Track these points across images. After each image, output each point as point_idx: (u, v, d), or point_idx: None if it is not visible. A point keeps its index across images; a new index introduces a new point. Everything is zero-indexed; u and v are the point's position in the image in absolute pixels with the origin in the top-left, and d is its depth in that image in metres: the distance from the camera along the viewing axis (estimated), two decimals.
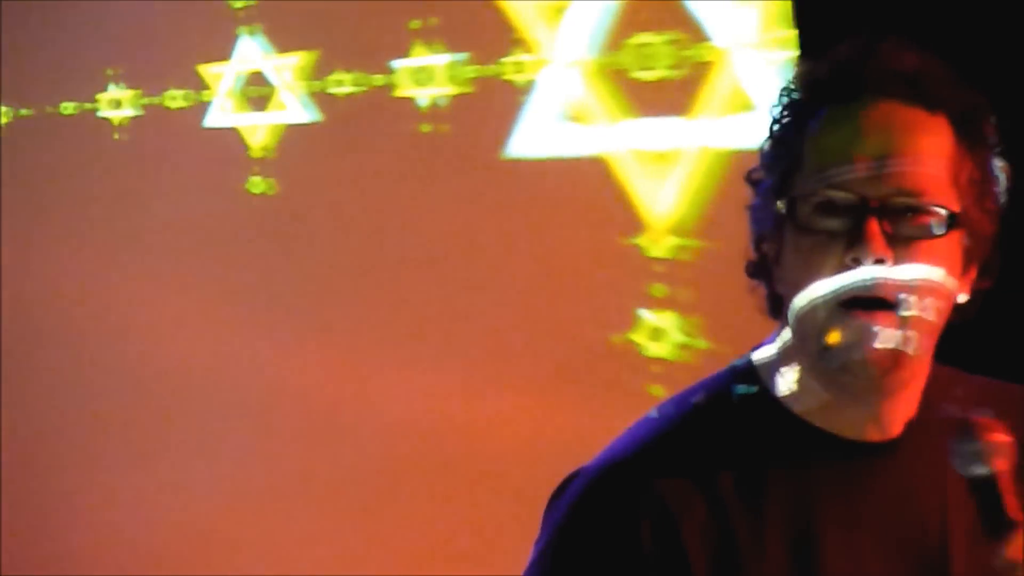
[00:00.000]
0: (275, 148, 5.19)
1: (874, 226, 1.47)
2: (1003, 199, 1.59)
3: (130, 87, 5.63)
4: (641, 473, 1.52)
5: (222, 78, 5.54)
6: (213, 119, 5.45)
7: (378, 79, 4.78)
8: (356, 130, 4.62)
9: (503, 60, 4.27)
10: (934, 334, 1.54)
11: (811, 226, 1.51)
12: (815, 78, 1.57)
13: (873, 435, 1.54)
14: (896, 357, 1.48)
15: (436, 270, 4.21)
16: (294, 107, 5.30)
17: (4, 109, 5.99)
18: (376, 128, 4.64)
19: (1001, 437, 1.40)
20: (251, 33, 5.39)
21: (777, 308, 1.59)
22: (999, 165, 1.58)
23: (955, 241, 1.52)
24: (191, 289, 5.05)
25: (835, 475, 1.53)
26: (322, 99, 5.01)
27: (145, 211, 5.24)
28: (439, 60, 4.57)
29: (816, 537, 1.51)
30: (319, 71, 5.10)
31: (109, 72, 5.62)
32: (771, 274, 1.58)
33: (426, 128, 4.51)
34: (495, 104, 4.22)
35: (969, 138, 1.54)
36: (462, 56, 4.45)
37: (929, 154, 1.50)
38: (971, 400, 1.51)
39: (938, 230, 1.49)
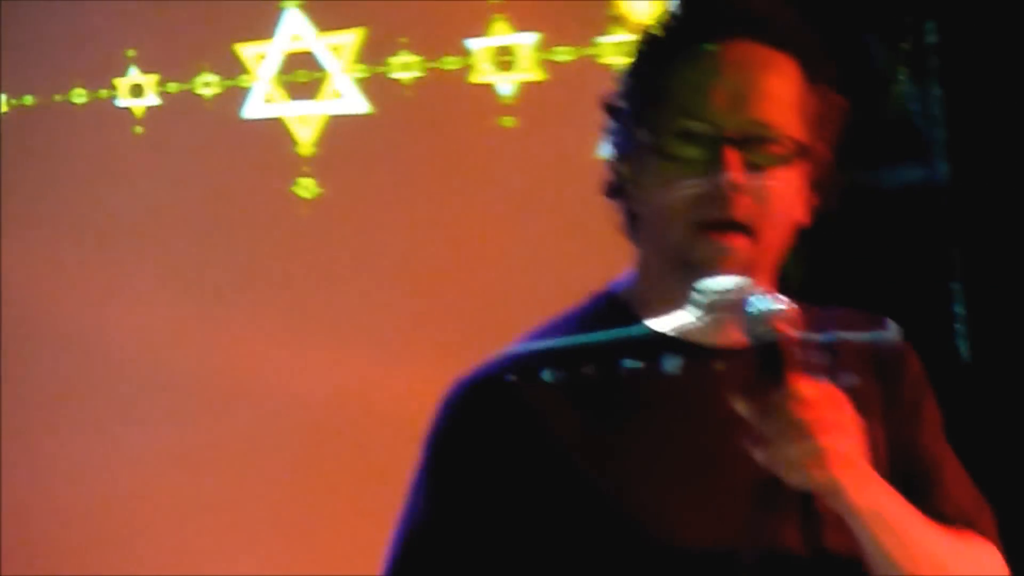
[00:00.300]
0: (325, 144, 4.97)
1: (730, 154, 1.70)
2: (839, 130, 1.85)
3: (153, 71, 5.23)
4: (502, 374, 1.78)
5: (263, 59, 5.18)
6: (253, 109, 5.11)
7: (451, 62, 4.63)
8: (422, 122, 4.58)
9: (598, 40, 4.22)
10: (780, 252, 1.78)
11: (671, 153, 1.73)
12: (676, 20, 1.80)
13: (718, 340, 1.74)
14: (745, 273, 1.69)
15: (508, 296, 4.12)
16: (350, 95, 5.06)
17: (3, 98, 5.53)
18: (448, 120, 4.54)
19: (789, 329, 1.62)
20: (299, 6, 5.11)
21: (634, 226, 1.82)
22: (836, 100, 1.83)
23: (800, 167, 1.78)
24: (228, 310, 4.81)
25: (682, 374, 1.76)
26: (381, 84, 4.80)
27: (171, 219, 4.94)
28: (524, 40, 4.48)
29: (659, 428, 1.76)
30: (377, 52, 4.87)
31: (130, 53, 5.22)
32: (628, 195, 1.81)
33: (508, 122, 4.37)
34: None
35: (813, 76, 1.78)
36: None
37: (779, 90, 1.76)
38: (804, 319, 1.68)
39: (787, 158, 1.74)
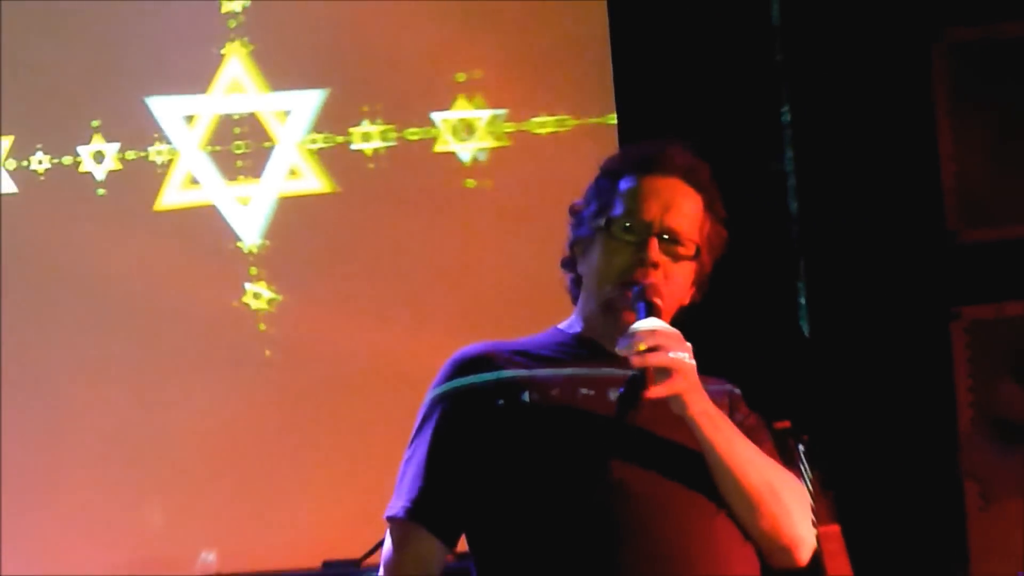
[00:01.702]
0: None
1: (654, 243, 2.60)
2: (722, 250, 2.75)
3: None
4: (484, 349, 2.72)
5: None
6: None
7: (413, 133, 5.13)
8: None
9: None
10: (669, 312, 2.62)
11: (616, 236, 2.63)
12: (631, 157, 2.78)
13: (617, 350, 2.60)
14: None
15: None
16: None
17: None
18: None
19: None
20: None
21: (577, 286, 2.74)
22: (722, 231, 2.74)
23: (693, 265, 2.68)
24: None
25: (587, 351, 2.68)
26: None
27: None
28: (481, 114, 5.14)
29: (569, 375, 2.67)
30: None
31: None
32: (575, 266, 2.76)
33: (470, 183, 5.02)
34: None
35: (711, 209, 2.70)
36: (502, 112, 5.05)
37: (690, 211, 2.68)
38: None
39: (688, 255, 2.64)
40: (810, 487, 2.72)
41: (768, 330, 4.53)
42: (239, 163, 5.45)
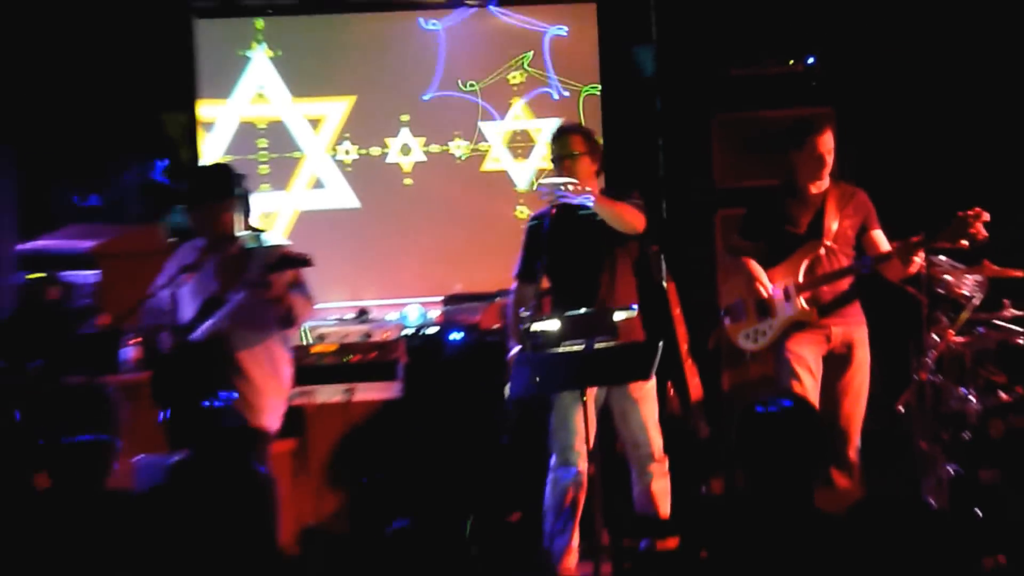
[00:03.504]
0: None
1: (567, 161, 5.98)
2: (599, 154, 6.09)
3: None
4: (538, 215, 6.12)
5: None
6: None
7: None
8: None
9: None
10: (585, 182, 5.84)
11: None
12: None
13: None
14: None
15: None
16: None
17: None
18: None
19: None
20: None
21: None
22: (598, 146, 6.12)
23: (586, 160, 6.04)
24: None
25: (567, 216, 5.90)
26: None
27: None
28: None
29: (562, 234, 6.01)
30: None
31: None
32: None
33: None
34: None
35: (590, 140, 6.04)
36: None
37: (579, 146, 6.03)
38: None
39: (582, 161, 6.08)
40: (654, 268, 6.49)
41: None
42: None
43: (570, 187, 5.69)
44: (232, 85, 7.47)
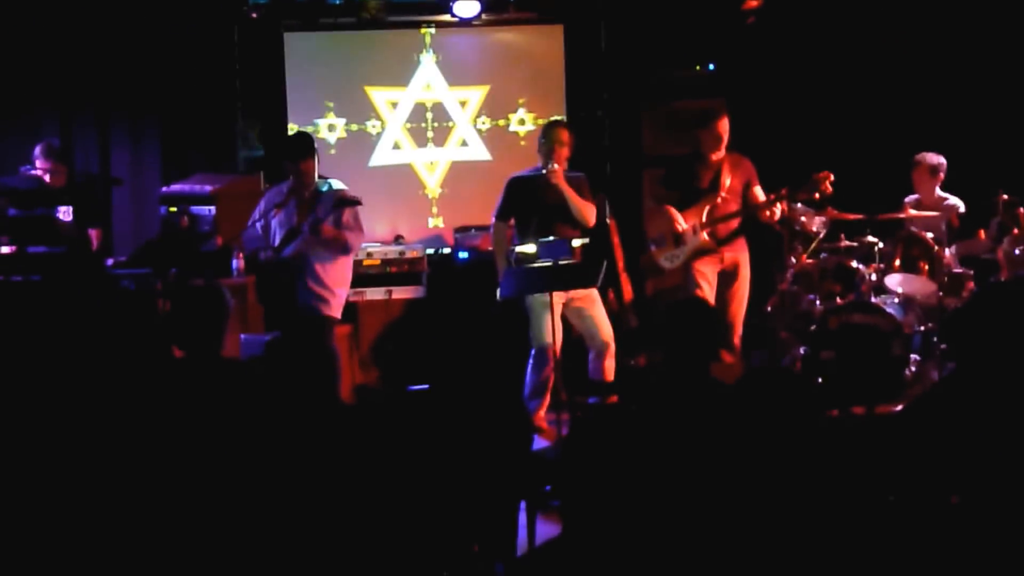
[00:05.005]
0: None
1: (557, 149, 5.86)
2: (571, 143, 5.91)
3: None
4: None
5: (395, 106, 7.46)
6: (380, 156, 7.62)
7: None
8: None
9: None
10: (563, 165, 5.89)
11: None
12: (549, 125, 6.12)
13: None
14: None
15: None
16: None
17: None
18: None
19: None
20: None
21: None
22: (572, 138, 5.86)
23: (565, 151, 5.92)
24: None
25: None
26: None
27: None
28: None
29: (543, 194, 5.92)
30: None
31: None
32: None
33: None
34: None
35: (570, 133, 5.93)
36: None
37: (566, 137, 5.90)
38: None
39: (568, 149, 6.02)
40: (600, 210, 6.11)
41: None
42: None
43: (554, 168, 5.77)
44: (408, 78, 7.58)
